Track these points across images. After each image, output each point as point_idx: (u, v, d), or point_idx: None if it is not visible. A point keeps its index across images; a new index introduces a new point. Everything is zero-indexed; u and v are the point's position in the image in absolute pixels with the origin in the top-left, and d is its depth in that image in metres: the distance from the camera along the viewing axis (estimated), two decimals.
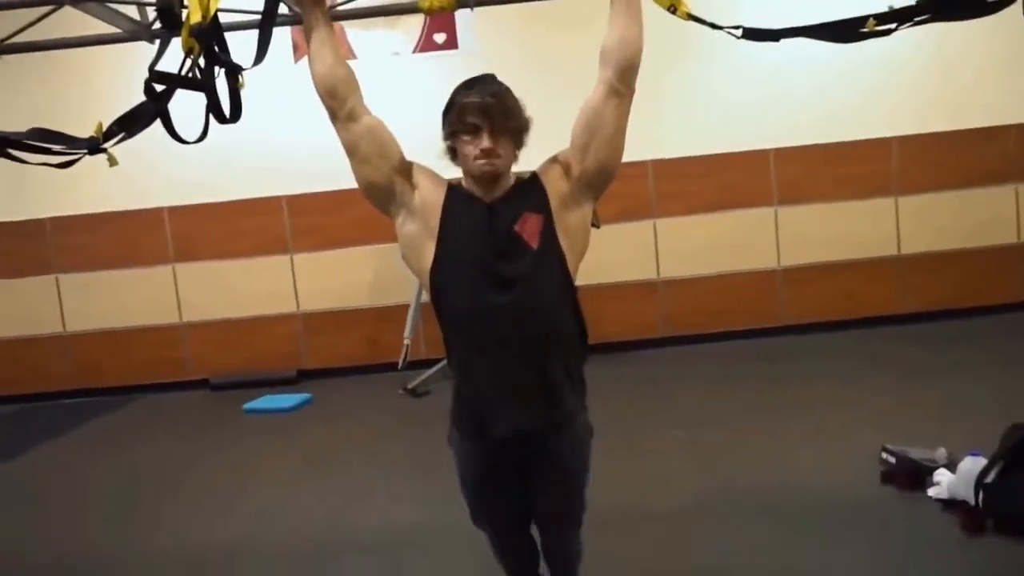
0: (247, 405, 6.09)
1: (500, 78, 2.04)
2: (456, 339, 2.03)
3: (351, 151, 2.00)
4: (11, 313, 6.91)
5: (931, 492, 3.27)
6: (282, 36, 6.71)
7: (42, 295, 6.87)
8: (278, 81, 6.55)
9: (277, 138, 6.65)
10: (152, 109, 2.02)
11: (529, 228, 1.92)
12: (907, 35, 2.37)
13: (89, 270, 6.86)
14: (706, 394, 5.38)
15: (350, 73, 2.01)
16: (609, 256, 6.83)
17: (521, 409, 1.99)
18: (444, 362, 6.38)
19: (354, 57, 6.88)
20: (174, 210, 6.77)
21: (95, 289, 6.88)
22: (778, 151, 6.77)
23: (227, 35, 2.18)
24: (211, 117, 2.05)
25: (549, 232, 1.95)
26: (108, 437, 5.82)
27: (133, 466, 4.97)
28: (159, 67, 1.99)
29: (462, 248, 1.94)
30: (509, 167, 1.99)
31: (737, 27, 2.30)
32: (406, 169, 2.02)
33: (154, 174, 6.54)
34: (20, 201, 6.66)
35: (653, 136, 6.75)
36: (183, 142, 2.08)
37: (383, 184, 1.99)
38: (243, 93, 2.13)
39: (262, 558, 3.37)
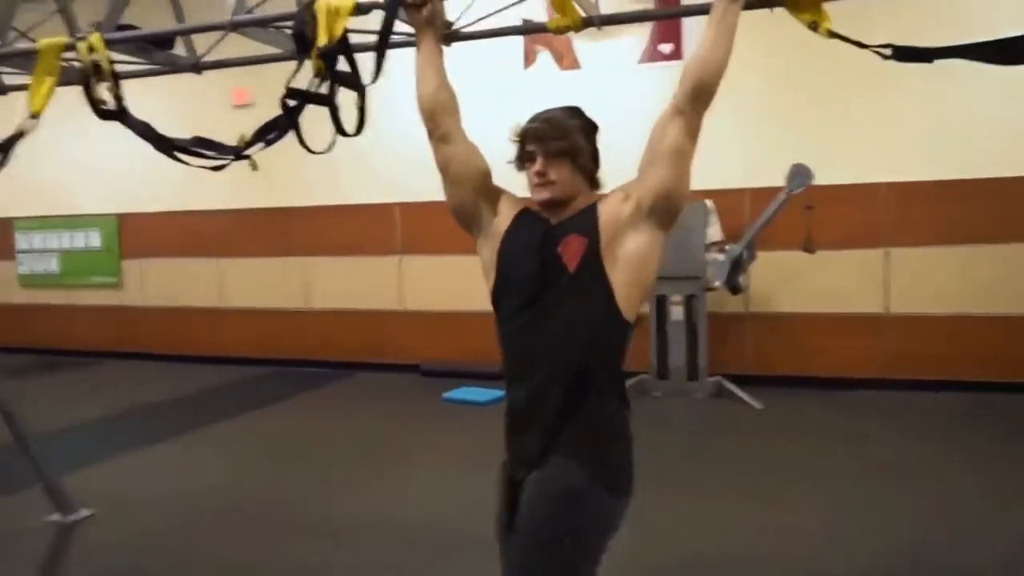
0: (446, 394, 6.46)
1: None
2: (504, 362, 2.00)
3: (442, 171, 2.06)
4: (266, 288, 7.98)
5: None
6: (515, 43, 7.03)
7: (292, 274, 7.84)
8: (509, 86, 6.89)
9: (505, 139, 6.95)
10: (285, 122, 2.25)
11: (570, 250, 1.84)
12: None
13: (331, 255, 7.70)
14: (918, 448, 4.77)
15: (451, 97, 2.06)
16: (828, 283, 6.33)
17: (524, 442, 1.90)
18: (639, 376, 6.37)
19: (578, 66, 7.00)
20: (405, 206, 7.36)
21: (334, 273, 7.70)
22: None
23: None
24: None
25: (591, 257, 1.84)
26: (327, 405, 6.53)
27: (339, 434, 5.56)
28: (293, 84, 2.20)
29: (514, 268, 1.93)
30: (569, 192, 1.91)
31: (886, 46, 2.04)
32: (493, 196, 2.04)
33: (391, 172, 7.17)
34: (281, 192, 7.63)
35: (891, 155, 6.12)
36: (312, 152, 2.28)
37: (468, 207, 2.03)
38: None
39: (411, 538, 3.60)
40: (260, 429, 5.79)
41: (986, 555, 3.27)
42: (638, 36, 6.76)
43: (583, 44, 6.86)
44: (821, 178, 5.79)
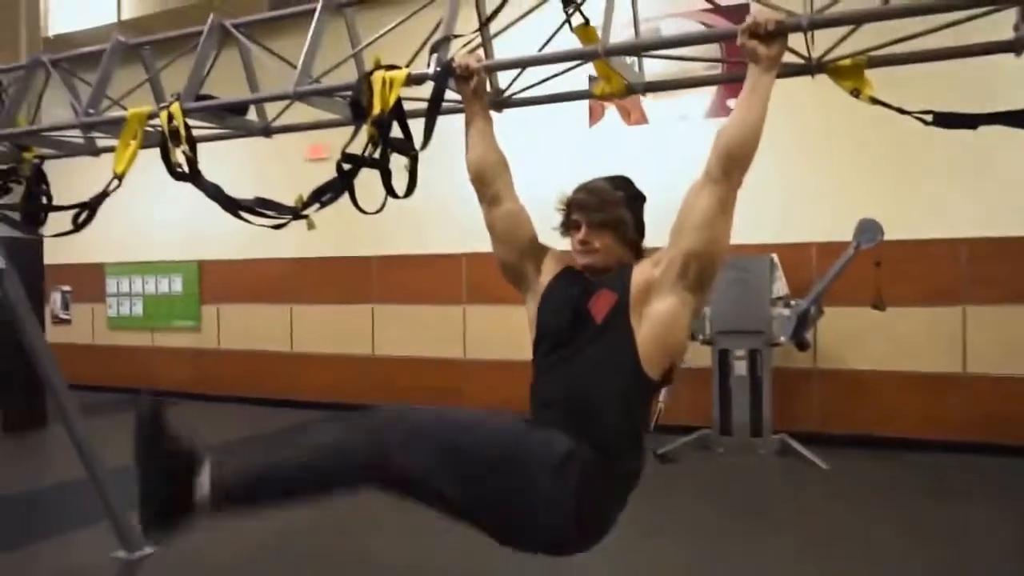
0: None
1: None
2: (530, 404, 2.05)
3: (490, 231, 2.16)
4: (335, 334, 8.23)
5: None
6: (580, 101, 7.16)
7: (360, 321, 8.07)
8: (575, 143, 7.05)
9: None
10: (339, 184, 2.38)
11: (599, 304, 1.91)
12: None
13: (398, 303, 7.90)
14: (992, 516, 4.52)
15: (499, 161, 2.16)
16: (901, 341, 6.14)
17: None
18: (701, 431, 6.27)
19: (645, 122, 7.08)
20: (471, 256, 7.51)
21: (401, 320, 7.90)
22: None
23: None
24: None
25: (619, 312, 1.89)
26: None
27: None
28: (349, 149, 2.34)
29: (549, 320, 2.00)
30: (611, 260, 1.98)
31: (927, 112, 2.05)
32: (538, 255, 2.13)
33: (458, 224, 7.34)
34: (352, 241, 7.89)
35: (967, 212, 5.95)
36: (364, 212, 2.40)
37: (515, 264, 2.13)
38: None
39: None
40: None
41: None
42: (706, 91, 6.81)
43: (650, 100, 6.94)
44: (893, 233, 5.67)
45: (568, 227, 2.04)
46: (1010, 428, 5.83)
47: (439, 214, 7.28)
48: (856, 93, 2.10)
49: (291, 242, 7.89)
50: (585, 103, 7.17)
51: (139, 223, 9.17)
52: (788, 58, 2.22)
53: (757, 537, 4.30)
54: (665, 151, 6.69)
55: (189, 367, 9.12)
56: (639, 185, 2.11)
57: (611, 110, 7.19)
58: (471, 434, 1.83)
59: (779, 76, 2.25)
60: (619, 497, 1.93)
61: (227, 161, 7.57)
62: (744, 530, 4.42)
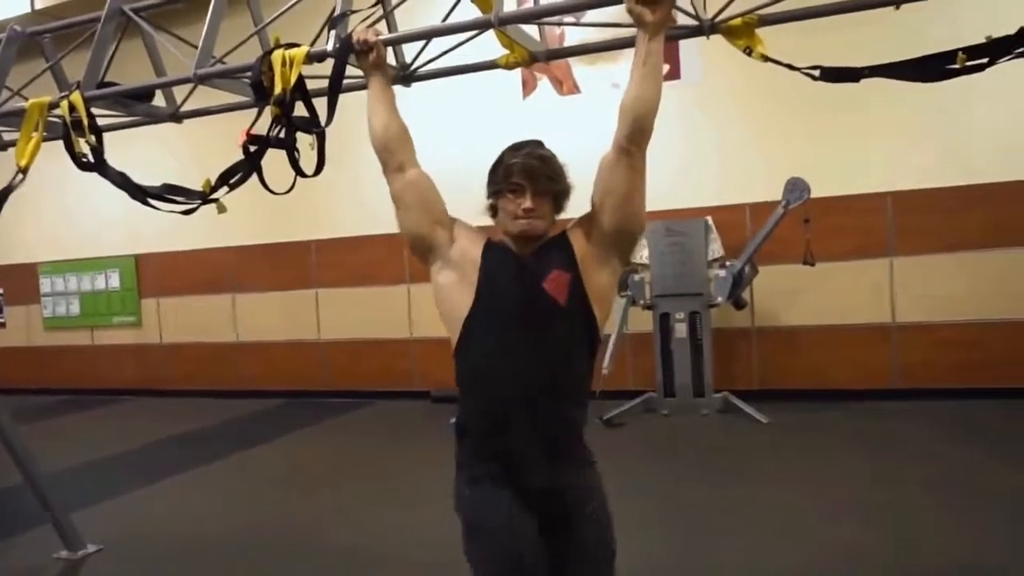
0: (453, 420, 6.51)
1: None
2: (478, 388, 2.06)
3: (397, 200, 2.14)
4: (280, 321, 8.14)
5: None
6: (512, 73, 7.15)
7: (304, 307, 8.00)
8: (509, 114, 7.04)
9: None
10: (247, 166, 2.36)
11: (557, 286, 1.94)
12: None
13: (341, 286, 7.84)
14: (934, 458, 4.73)
15: (403, 131, 2.14)
16: (834, 296, 6.32)
17: (546, 464, 1.98)
18: (646, 395, 6.39)
19: (578, 91, 7.11)
20: None
21: (345, 303, 7.85)
22: None
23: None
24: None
25: (577, 290, 1.94)
26: (338, 436, 6.63)
27: (348, 463, 5.68)
28: (254, 131, 2.31)
29: (496, 301, 1.97)
30: (547, 229, 2.00)
31: (815, 67, 2.10)
32: (447, 222, 2.11)
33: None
34: (291, 226, 7.80)
35: (894, 165, 6.12)
36: (274, 193, 2.38)
37: (424, 233, 2.09)
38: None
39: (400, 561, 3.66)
40: (273, 460, 5.90)
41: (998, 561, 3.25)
42: None
43: (582, 69, 6.98)
44: (822, 190, 5.81)
45: (505, 190, 2.02)
46: (936, 373, 6.07)
47: (375, 193, 7.20)
48: (749, 51, 2.14)
49: (229, 230, 7.77)
50: (517, 75, 7.16)
51: (71, 219, 8.92)
52: (682, 20, 2.27)
53: (705, 491, 4.41)
54: (598, 119, 6.65)
55: (132, 364, 8.95)
56: (575, 154, 2.12)
57: (544, 81, 7.20)
58: None
59: (674, 39, 2.30)
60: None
61: (155, 155, 7.41)
62: (693, 486, 4.53)
